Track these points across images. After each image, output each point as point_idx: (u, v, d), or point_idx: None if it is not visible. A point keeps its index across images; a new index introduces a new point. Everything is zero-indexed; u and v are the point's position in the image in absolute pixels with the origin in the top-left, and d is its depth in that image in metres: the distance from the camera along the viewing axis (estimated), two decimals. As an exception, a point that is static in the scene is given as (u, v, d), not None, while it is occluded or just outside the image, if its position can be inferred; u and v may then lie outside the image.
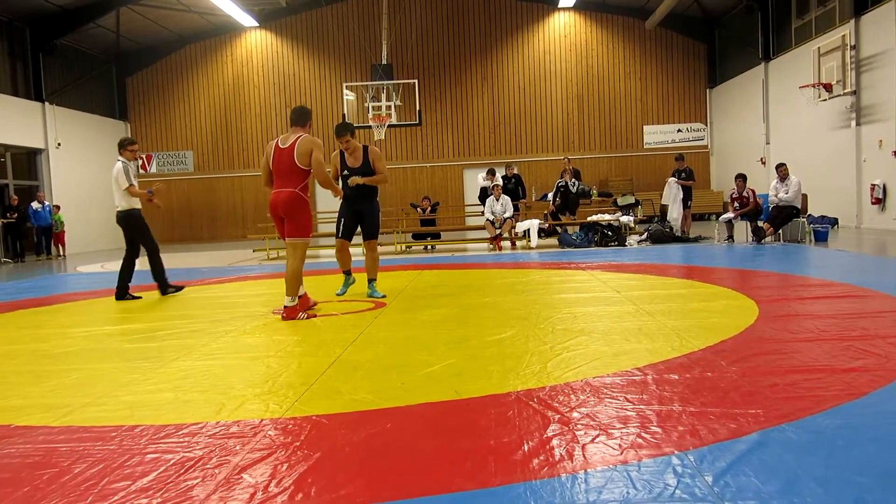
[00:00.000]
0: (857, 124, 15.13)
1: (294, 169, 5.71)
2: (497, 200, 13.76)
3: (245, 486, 2.27)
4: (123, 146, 7.69)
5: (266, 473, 2.37)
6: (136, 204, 7.66)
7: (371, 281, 6.94)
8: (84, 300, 7.73)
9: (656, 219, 15.50)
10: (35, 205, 17.87)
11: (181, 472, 2.42)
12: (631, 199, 16.10)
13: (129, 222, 7.65)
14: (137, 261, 7.76)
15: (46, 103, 19.56)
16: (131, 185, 7.48)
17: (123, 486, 2.32)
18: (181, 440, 2.75)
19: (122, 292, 7.52)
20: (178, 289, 7.92)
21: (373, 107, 18.32)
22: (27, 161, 19.59)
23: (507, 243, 13.79)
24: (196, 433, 2.83)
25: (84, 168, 21.03)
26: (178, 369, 4.03)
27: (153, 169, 23.95)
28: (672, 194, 13.84)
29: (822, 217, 14.50)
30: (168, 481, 2.34)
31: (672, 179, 13.92)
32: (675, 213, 13.74)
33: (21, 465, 2.57)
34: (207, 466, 2.46)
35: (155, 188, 7.89)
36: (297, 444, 2.65)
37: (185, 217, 24.00)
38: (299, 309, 5.78)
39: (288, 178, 5.73)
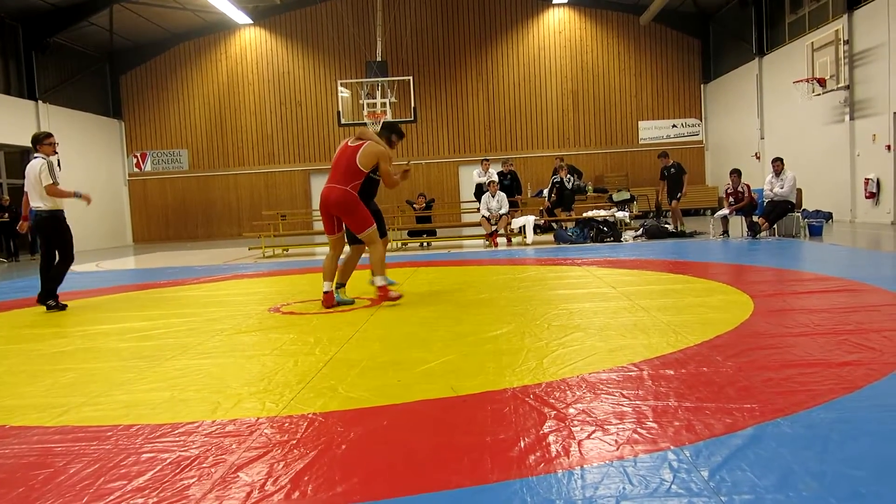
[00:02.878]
0: (851, 119, 15.16)
1: (352, 168, 5.92)
2: (493, 197, 13.75)
3: (241, 485, 2.27)
4: (40, 141, 6.95)
5: (262, 472, 2.37)
6: (61, 205, 6.97)
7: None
8: (79, 299, 7.70)
9: (651, 214, 15.52)
10: (29, 204, 17.79)
11: (177, 471, 2.41)
12: (626, 195, 16.12)
13: (52, 224, 6.91)
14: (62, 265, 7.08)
15: (40, 102, 19.46)
16: (55, 182, 6.76)
17: (119, 485, 2.31)
18: (177, 439, 2.74)
19: (48, 296, 6.90)
20: (62, 307, 6.91)
21: (367, 104, 18.31)
22: (21, 160, 19.49)
23: (502, 240, 13.79)
24: (192, 432, 2.82)
25: (77, 167, 20.90)
26: (174, 368, 4.02)
27: (148, 167, 23.88)
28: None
29: (817, 211, 14.55)
30: (164, 481, 2.33)
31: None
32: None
33: (16, 465, 2.56)
34: (203, 465, 2.45)
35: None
36: (294, 442, 2.65)
37: (180, 215, 23.94)
38: (386, 292, 6.10)
39: (342, 175, 5.94)
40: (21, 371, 4.21)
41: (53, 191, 6.80)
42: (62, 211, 7.01)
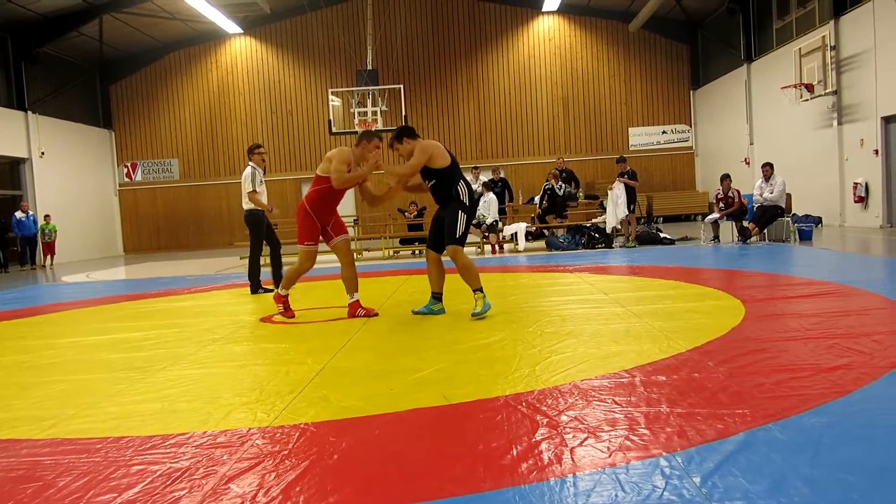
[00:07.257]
0: (839, 124, 15.28)
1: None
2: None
3: (232, 497, 2.26)
4: (252, 151, 8.12)
5: (254, 483, 2.35)
6: (260, 206, 7.95)
7: (475, 290, 5.61)
8: (70, 310, 7.65)
9: (643, 220, 15.57)
10: (19, 214, 17.71)
11: (168, 483, 2.39)
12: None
13: (250, 221, 8.03)
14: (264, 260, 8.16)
15: (29, 112, 19.39)
16: (254, 190, 7.83)
17: (109, 498, 2.30)
18: (167, 451, 2.72)
19: (255, 287, 8.15)
20: (267, 290, 8.09)
21: (358, 112, 18.33)
22: (10, 170, 19.41)
23: (488, 247, 13.77)
24: (183, 444, 2.80)
25: (68, 177, 20.87)
26: (165, 379, 4.00)
27: (138, 177, 23.80)
28: (614, 196, 12.92)
29: (807, 216, 14.64)
30: (154, 493, 2.32)
31: (615, 183, 13.09)
32: (619, 215, 12.82)
33: (4, 479, 2.54)
34: (194, 477, 2.43)
35: (273, 210, 8.09)
36: (285, 452, 2.63)
37: (171, 225, 23.84)
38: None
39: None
40: (11, 383, 4.17)
41: (253, 198, 7.92)
42: (260, 211, 7.97)
